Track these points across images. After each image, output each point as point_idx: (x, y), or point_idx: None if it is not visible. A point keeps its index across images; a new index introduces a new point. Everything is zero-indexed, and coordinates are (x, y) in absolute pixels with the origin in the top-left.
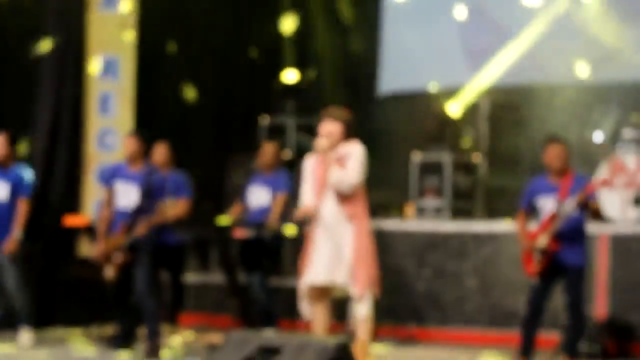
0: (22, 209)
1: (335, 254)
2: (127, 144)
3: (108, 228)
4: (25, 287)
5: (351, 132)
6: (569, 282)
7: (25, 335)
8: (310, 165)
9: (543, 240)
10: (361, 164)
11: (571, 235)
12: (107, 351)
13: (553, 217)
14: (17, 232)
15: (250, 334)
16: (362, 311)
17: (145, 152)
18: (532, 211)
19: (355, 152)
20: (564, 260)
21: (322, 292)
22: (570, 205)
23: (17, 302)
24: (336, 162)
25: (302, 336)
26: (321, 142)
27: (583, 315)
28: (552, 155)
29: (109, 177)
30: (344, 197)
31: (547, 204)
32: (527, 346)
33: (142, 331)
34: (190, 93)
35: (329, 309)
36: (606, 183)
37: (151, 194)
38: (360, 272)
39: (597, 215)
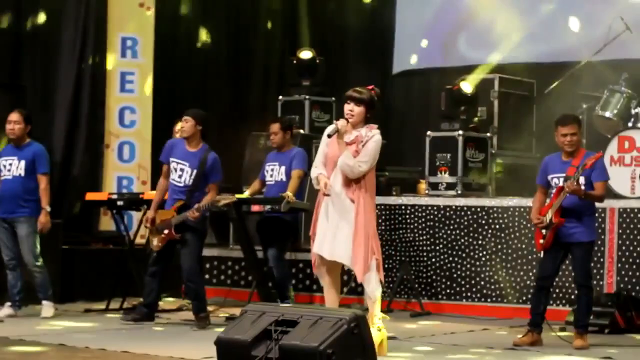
0: (43, 184)
1: (334, 231)
2: (183, 124)
3: (162, 200)
4: (45, 262)
5: (374, 112)
6: (575, 257)
7: (48, 308)
8: (325, 140)
9: (547, 215)
10: (374, 154)
11: (577, 210)
12: (127, 324)
13: (558, 192)
14: (46, 207)
15: (267, 306)
16: (368, 291)
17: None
18: (548, 187)
19: (371, 141)
20: (570, 235)
21: (330, 265)
22: (565, 193)
23: (36, 277)
24: (350, 144)
25: (318, 309)
26: (338, 124)
27: (591, 290)
28: (562, 137)
29: (166, 153)
30: (348, 178)
31: (558, 182)
32: (537, 319)
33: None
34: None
35: (339, 282)
36: (598, 157)
37: (205, 175)
38: (359, 253)
39: (599, 199)
